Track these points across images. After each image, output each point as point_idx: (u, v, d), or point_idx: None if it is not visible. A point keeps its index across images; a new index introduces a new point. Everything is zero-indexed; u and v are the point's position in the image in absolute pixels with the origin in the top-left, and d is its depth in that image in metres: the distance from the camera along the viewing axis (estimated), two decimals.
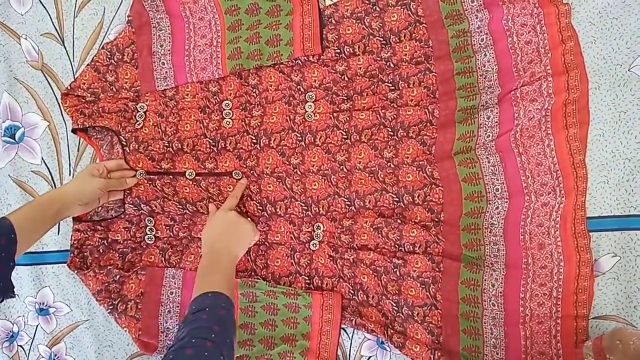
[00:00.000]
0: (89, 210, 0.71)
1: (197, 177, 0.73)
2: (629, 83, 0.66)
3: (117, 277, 0.68)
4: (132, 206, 0.72)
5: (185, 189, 0.73)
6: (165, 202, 0.72)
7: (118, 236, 0.73)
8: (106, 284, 0.69)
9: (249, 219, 0.71)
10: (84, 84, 0.75)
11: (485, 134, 0.68)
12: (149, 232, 0.73)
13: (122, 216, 0.73)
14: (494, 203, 0.67)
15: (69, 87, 0.75)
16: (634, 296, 0.65)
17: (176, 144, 0.74)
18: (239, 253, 0.67)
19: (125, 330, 0.70)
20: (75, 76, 0.78)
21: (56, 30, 0.79)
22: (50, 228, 0.65)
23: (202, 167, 0.73)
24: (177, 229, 0.73)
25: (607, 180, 0.67)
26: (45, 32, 0.79)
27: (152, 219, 0.73)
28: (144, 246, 0.73)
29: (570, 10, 0.67)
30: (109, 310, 0.71)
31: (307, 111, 0.73)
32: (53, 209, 0.64)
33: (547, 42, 0.67)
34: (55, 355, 0.78)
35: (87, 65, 0.76)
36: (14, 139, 0.80)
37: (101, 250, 0.73)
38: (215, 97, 0.75)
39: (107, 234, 0.73)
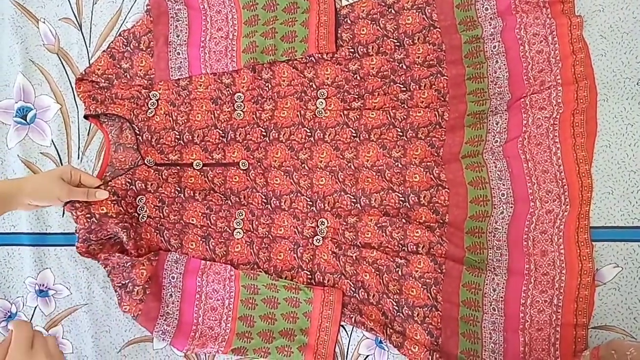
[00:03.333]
0: (31, 210, 0.68)
1: (204, 168, 0.76)
2: (637, 96, 0.69)
3: (128, 263, 0.70)
4: (125, 181, 0.73)
5: (191, 179, 0.75)
6: (162, 184, 0.74)
7: (103, 209, 0.71)
8: (118, 266, 0.71)
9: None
10: (98, 69, 0.78)
11: (493, 139, 0.70)
12: (140, 211, 0.74)
13: (102, 187, 0.71)
14: (499, 208, 0.69)
15: (83, 73, 0.78)
16: (634, 307, 0.67)
17: (187, 136, 0.76)
18: None
19: (125, 310, 0.71)
20: (91, 62, 0.81)
21: (74, 15, 0.82)
22: None
23: (210, 157, 0.76)
24: (167, 210, 0.74)
25: (611, 191, 0.69)
26: (64, 17, 0.82)
27: (143, 197, 0.74)
28: (135, 224, 0.73)
29: (582, 22, 0.70)
30: (118, 286, 0.71)
31: (318, 108, 0.75)
32: (3, 199, 0.61)
33: (558, 52, 0.70)
34: None
35: (103, 51, 0.78)
36: (25, 120, 0.82)
37: (95, 229, 0.71)
38: (227, 89, 0.77)
39: (89, 210, 0.70)
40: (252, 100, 0.77)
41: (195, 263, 0.73)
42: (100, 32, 0.81)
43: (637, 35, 0.70)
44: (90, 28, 0.82)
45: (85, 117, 0.78)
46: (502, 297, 0.68)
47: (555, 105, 0.68)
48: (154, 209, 0.74)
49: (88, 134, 0.81)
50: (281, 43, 0.76)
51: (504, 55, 0.72)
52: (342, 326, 0.73)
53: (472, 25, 0.73)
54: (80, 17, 0.82)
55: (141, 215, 0.74)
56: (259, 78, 0.77)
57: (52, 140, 0.81)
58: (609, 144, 0.69)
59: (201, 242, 0.74)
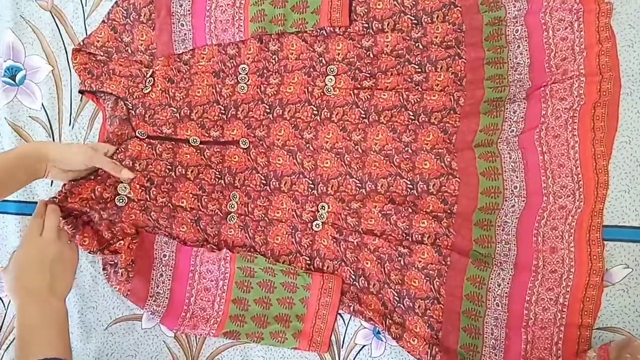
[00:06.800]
0: (71, 179, 0.67)
1: (201, 145, 0.74)
2: None
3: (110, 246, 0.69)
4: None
5: (186, 156, 0.73)
6: (153, 162, 0.72)
7: (74, 200, 0.68)
8: (98, 250, 0.69)
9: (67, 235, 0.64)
10: (97, 41, 0.75)
11: (510, 128, 0.69)
12: (120, 192, 0.71)
13: (91, 177, 0.69)
14: (511, 200, 0.68)
15: (81, 43, 0.75)
16: None
17: (185, 110, 0.74)
18: (66, 291, 0.61)
19: (115, 288, 0.70)
20: (86, 21, 0.78)
21: None
22: (22, 185, 0.62)
23: (207, 135, 0.74)
24: (154, 192, 0.72)
25: (628, 190, 0.68)
26: None
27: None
28: (108, 208, 0.69)
29: (611, 9, 0.68)
30: (103, 267, 0.71)
31: (326, 85, 0.73)
32: (27, 163, 0.61)
33: (583, 40, 0.68)
34: None
35: (102, 21, 0.76)
36: (14, 81, 0.79)
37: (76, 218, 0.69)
38: (232, 60, 0.75)
39: (75, 197, 0.68)
40: (257, 73, 0.75)
41: (186, 248, 0.71)
42: None
43: None
44: None
45: (80, 92, 0.75)
46: (506, 293, 0.67)
47: (576, 97, 0.67)
48: (140, 191, 0.71)
49: (81, 100, 0.79)
50: (291, 13, 0.73)
51: (526, 41, 0.70)
52: (340, 314, 0.72)
53: (495, 5, 0.71)
54: None
55: (119, 197, 0.70)
56: (266, 50, 0.75)
57: (43, 104, 0.79)
58: (629, 140, 0.68)
59: (192, 224, 0.72)
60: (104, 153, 0.68)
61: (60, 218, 0.65)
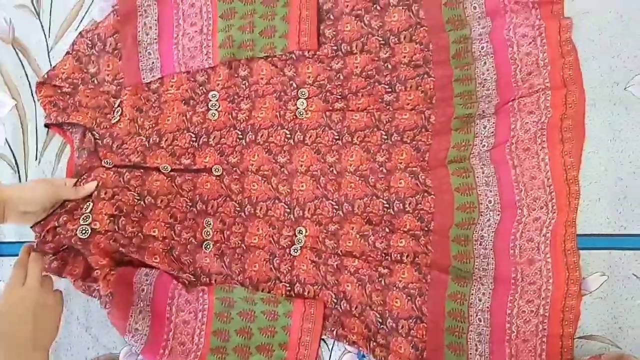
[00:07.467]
0: (35, 221, 0.65)
1: (172, 173, 0.73)
2: (624, 102, 0.70)
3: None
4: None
5: (156, 183, 0.72)
6: (120, 191, 0.70)
7: (48, 236, 0.66)
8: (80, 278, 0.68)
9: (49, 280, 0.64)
10: (62, 73, 0.74)
11: (481, 143, 0.70)
12: (82, 222, 0.67)
13: (58, 210, 0.67)
14: (486, 215, 0.69)
15: (45, 76, 0.74)
16: (620, 317, 0.68)
17: (154, 138, 0.73)
18: (50, 340, 0.61)
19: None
20: (50, 54, 0.77)
21: (32, 2, 0.78)
22: None
23: (178, 162, 0.73)
24: (123, 221, 0.70)
25: (598, 198, 0.70)
26: (20, 4, 0.78)
27: (90, 203, 0.68)
28: (78, 240, 0.67)
29: (571, 24, 0.70)
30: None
31: (298, 108, 0.74)
32: None
33: (546, 55, 0.70)
34: None
35: (67, 52, 0.74)
36: None
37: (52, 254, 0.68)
38: (201, 87, 0.75)
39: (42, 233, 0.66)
40: (228, 100, 0.74)
41: (165, 278, 0.70)
42: (61, 22, 0.78)
43: (625, 40, 0.71)
44: (50, 16, 0.78)
45: (46, 125, 0.74)
46: (488, 307, 0.68)
47: (543, 110, 0.69)
48: (108, 222, 0.68)
49: (47, 134, 0.77)
50: (260, 38, 0.74)
51: (492, 57, 0.72)
52: (323, 340, 0.71)
53: (460, 24, 0.73)
54: (38, 4, 0.78)
55: (82, 228, 0.67)
56: (236, 75, 0.74)
57: (7, 140, 0.77)
58: (596, 150, 0.70)
59: (164, 254, 0.70)
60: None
61: (46, 258, 0.65)
